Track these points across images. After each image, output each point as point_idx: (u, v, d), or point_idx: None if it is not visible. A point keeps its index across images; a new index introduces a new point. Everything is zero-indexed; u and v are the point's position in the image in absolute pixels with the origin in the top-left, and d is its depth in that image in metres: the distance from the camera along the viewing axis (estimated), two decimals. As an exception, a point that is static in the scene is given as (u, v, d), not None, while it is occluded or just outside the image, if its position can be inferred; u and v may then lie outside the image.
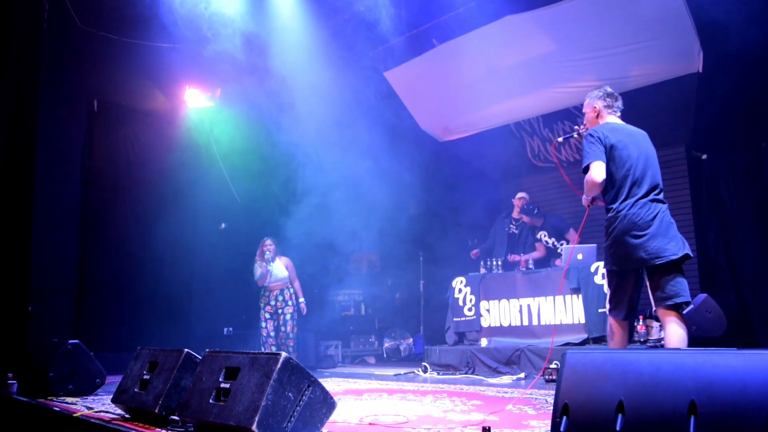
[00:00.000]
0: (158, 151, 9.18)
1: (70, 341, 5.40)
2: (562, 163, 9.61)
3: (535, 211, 8.26)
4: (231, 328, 9.53)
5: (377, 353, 10.32)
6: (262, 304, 8.03)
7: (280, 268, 7.99)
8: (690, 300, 3.94)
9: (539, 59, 8.19)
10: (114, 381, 4.92)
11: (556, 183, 9.33)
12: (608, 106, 4.36)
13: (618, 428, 1.94)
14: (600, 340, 6.72)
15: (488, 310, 7.83)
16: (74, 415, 4.01)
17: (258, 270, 7.96)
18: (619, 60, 7.74)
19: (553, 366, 6.16)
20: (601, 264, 6.73)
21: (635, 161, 4.04)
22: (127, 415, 4.00)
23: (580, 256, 7.14)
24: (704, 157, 8.08)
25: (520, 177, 10.31)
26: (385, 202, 8.87)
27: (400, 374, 7.65)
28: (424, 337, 9.62)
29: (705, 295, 6.52)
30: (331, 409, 3.10)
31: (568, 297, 7.06)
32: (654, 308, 4.02)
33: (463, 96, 9.29)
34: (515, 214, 8.58)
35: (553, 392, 2.38)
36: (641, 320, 7.03)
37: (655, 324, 7.05)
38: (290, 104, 8.98)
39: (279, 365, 2.92)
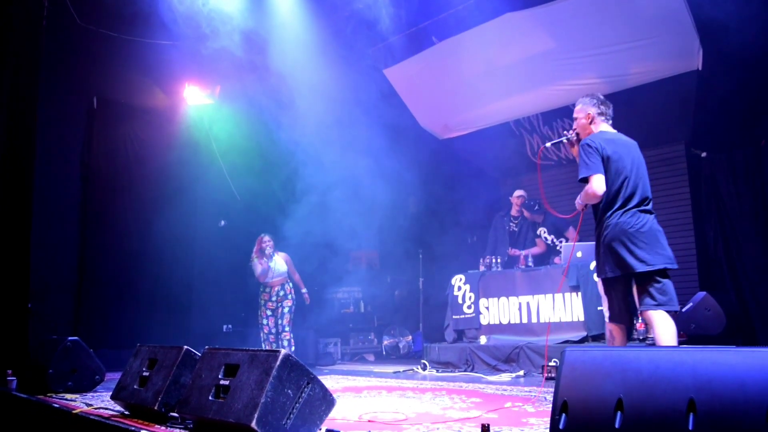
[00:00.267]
0: (158, 149, 9.18)
1: (70, 338, 5.41)
2: (562, 160, 9.63)
3: (536, 207, 8.25)
4: (230, 325, 9.54)
5: (376, 351, 10.32)
6: (262, 301, 8.02)
7: (279, 264, 7.99)
8: (678, 308, 4.06)
9: (539, 57, 8.18)
10: (113, 378, 4.92)
11: (556, 181, 9.33)
12: (601, 114, 4.44)
13: (617, 426, 1.94)
14: (599, 338, 6.72)
15: (487, 308, 7.83)
16: (73, 411, 4.01)
17: (258, 267, 7.94)
18: (619, 57, 7.73)
19: (552, 364, 6.17)
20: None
21: (629, 173, 4.13)
22: (126, 412, 4.00)
23: (579, 254, 7.13)
24: (704, 154, 8.08)
25: (520, 175, 10.32)
26: (384, 200, 8.88)
27: (399, 372, 7.65)
28: (424, 334, 9.63)
29: (704, 293, 6.53)
30: (331, 407, 3.10)
31: (567, 295, 7.06)
32: (639, 311, 4.11)
33: (462, 93, 9.29)
34: (514, 212, 8.58)
35: (552, 390, 2.39)
36: (640, 318, 7.03)
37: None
38: (290, 102, 8.98)
39: (278, 362, 2.92)
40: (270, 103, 9.02)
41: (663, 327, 3.97)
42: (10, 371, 5.51)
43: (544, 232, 8.17)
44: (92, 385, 5.46)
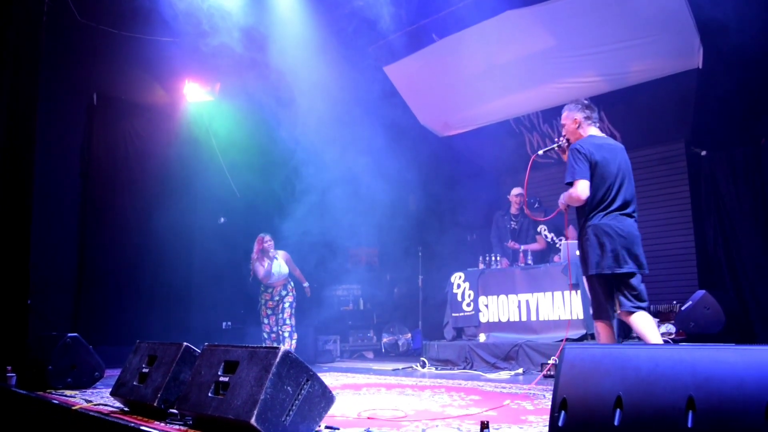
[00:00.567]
0: (158, 145, 9.18)
1: (69, 334, 5.41)
2: (559, 159, 9.59)
3: (537, 205, 8.26)
4: (229, 323, 9.54)
5: (376, 348, 10.33)
6: (263, 301, 8.02)
7: (281, 265, 7.99)
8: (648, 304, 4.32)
9: (539, 54, 8.19)
10: (113, 374, 4.93)
11: (555, 179, 9.33)
12: (587, 118, 4.59)
13: (616, 423, 1.95)
14: (598, 336, 6.71)
15: (487, 306, 7.84)
16: (73, 408, 4.01)
17: (260, 269, 7.92)
18: (619, 56, 7.74)
19: (551, 362, 6.17)
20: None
21: (614, 179, 4.35)
22: (125, 408, 4.00)
23: (579, 252, 7.12)
24: (704, 153, 8.09)
25: (519, 173, 10.30)
26: (384, 198, 8.88)
27: (398, 369, 7.66)
28: (423, 332, 9.63)
29: (703, 291, 6.53)
30: (330, 404, 3.11)
31: (566, 293, 7.06)
32: (618, 312, 4.31)
33: (462, 91, 9.29)
34: (514, 210, 8.57)
35: (551, 387, 2.39)
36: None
37: (654, 320, 7.05)
38: (290, 99, 8.98)
39: (278, 359, 2.92)
40: (270, 100, 9.02)
41: (647, 327, 4.17)
42: (9, 367, 5.51)
43: (545, 230, 8.16)
44: (92, 381, 5.46)
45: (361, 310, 10.79)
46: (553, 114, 9.42)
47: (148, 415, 3.69)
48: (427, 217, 10.70)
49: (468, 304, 8.01)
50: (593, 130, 4.59)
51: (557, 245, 7.98)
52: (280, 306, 7.97)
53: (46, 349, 5.35)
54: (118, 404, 4.15)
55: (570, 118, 4.65)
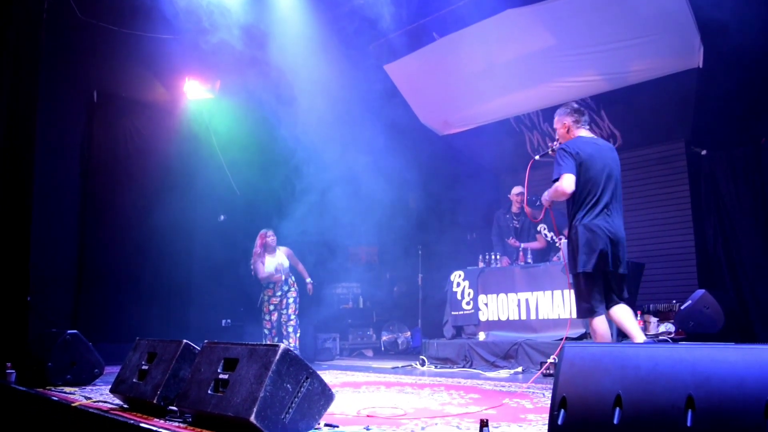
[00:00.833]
0: (158, 143, 9.17)
1: (69, 331, 5.41)
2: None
3: (538, 202, 8.25)
4: (229, 320, 9.54)
5: (375, 346, 10.34)
6: (266, 297, 8.01)
7: (282, 259, 7.99)
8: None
9: (539, 53, 8.18)
10: (112, 371, 4.92)
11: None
12: (576, 121, 4.78)
13: (615, 422, 1.95)
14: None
15: (486, 304, 7.84)
16: (73, 404, 4.01)
17: (261, 267, 7.90)
18: (620, 55, 7.73)
19: (551, 360, 6.17)
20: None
21: (600, 177, 4.50)
22: (125, 405, 4.00)
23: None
24: (704, 152, 8.09)
25: (520, 172, 10.30)
26: (384, 197, 8.87)
27: (397, 367, 7.66)
28: (422, 330, 9.64)
29: (703, 290, 6.53)
30: (329, 401, 3.11)
31: (566, 291, 7.06)
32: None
33: (463, 90, 9.29)
34: (515, 209, 8.57)
35: (550, 386, 2.39)
36: (639, 315, 7.05)
37: (653, 319, 7.07)
38: (290, 97, 8.98)
39: (278, 357, 2.92)
40: (270, 98, 9.02)
41: (628, 317, 4.48)
42: (9, 364, 5.51)
43: (545, 229, 8.17)
44: (91, 378, 5.46)
45: (360, 308, 10.80)
46: (553, 113, 9.36)
47: (148, 412, 3.69)
48: (427, 216, 10.70)
49: (468, 303, 8.01)
50: (583, 132, 4.76)
51: (557, 244, 7.98)
52: (284, 302, 7.98)
53: (45, 346, 5.35)
54: (117, 401, 4.15)
55: (560, 122, 4.86)
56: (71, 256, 8.28)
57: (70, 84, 8.32)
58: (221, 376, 3.16)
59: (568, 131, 4.79)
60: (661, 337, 6.77)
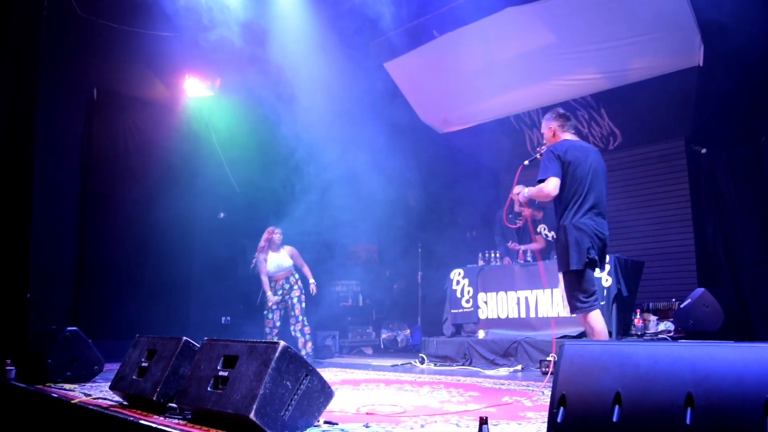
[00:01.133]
0: (158, 140, 9.17)
1: (69, 328, 5.41)
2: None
3: (536, 202, 8.25)
4: (229, 318, 9.55)
5: (374, 344, 10.34)
6: (269, 294, 8.02)
7: (284, 258, 7.99)
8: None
9: (540, 51, 8.18)
10: (112, 368, 4.92)
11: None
12: (561, 126, 4.97)
13: (615, 420, 1.95)
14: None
15: (486, 302, 7.84)
16: (72, 401, 4.01)
17: (263, 265, 7.91)
18: (620, 53, 7.73)
19: (550, 358, 6.17)
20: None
21: (586, 178, 4.68)
22: (125, 402, 4.00)
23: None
24: (704, 151, 8.09)
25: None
26: (384, 195, 8.87)
27: (397, 365, 7.66)
28: (422, 328, 9.64)
29: (702, 289, 6.53)
30: (329, 399, 3.11)
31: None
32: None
33: (463, 88, 9.28)
34: (516, 208, 8.57)
35: (549, 384, 2.39)
36: (638, 314, 7.05)
37: (653, 317, 7.07)
38: (290, 95, 8.98)
39: (277, 354, 2.92)
40: (270, 95, 9.01)
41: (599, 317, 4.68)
42: (9, 361, 5.52)
43: (544, 229, 8.16)
44: (91, 375, 5.47)
45: (360, 306, 10.80)
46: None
47: (147, 409, 3.69)
48: (427, 214, 10.70)
49: (467, 301, 8.01)
50: (568, 136, 4.94)
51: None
52: (290, 303, 7.97)
53: (45, 342, 5.35)
54: (117, 398, 4.15)
55: (546, 127, 5.05)
56: (71, 254, 8.28)
57: (70, 81, 8.32)
58: (221, 373, 3.16)
59: (554, 135, 4.98)
60: (660, 336, 6.78)
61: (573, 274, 4.64)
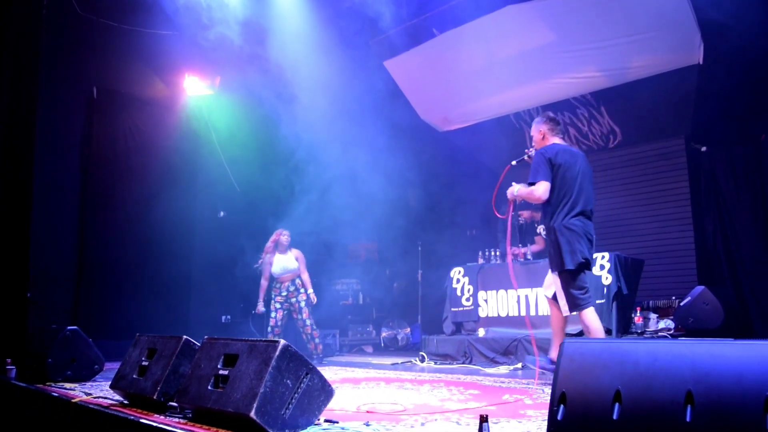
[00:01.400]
0: (157, 139, 9.17)
1: (69, 327, 5.42)
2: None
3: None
4: (229, 316, 9.55)
5: (375, 342, 10.34)
6: (273, 295, 8.03)
7: (290, 260, 7.99)
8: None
9: (540, 49, 8.18)
10: (112, 368, 4.93)
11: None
12: (551, 129, 5.20)
13: (615, 417, 1.95)
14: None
15: (486, 301, 7.84)
16: (73, 400, 4.01)
17: (267, 267, 7.94)
18: (620, 51, 7.73)
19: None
20: (600, 255, 6.75)
21: (575, 182, 4.87)
22: (125, 401, 4.01)
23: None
24: (704, 149, 8.08)
25: (520, 168, 10.29)
26: (384, 193, 8.87)
27: (397, 363, 7.66)
28: (422, 326, 9.64)
29: (702, 287, 6.53)
30: (329, 397, 3.11)
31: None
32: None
33: (463, 86, 9.28)
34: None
35: (550, 382, 2.39)
36: (638, 312, 7.06)
37: (653, 315, 7.08)
38: (290, 93, 8.97)
39: (277, 352, 2.92)
40: (270, 94, 9.01)
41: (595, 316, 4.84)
42: (9, 360, 5.51)
43: (543, 229, 8.16)
44: (91, 374, 5.47)
45: (360, 304, 10.80)
46: (553, 109, 9.39)
47: (148, 408, 3.69)
48: (427, 213, 10.69)
49: (467, 299, 8.01)
50: (557, 140, 5.15)
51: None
52: (297, 305, 7.97)
53: (45, 342, 5.35)
54: (117, 397, 4.15)
55: (536, 130, 5.27)
56: (71, 253, 8.28)
57: (70, 80, 8.31)
58: (221, 371, 3.16)
59: (543, 138, 5.19)
60: (660, 334, 6.78)
61: (568, 273, 4.77)
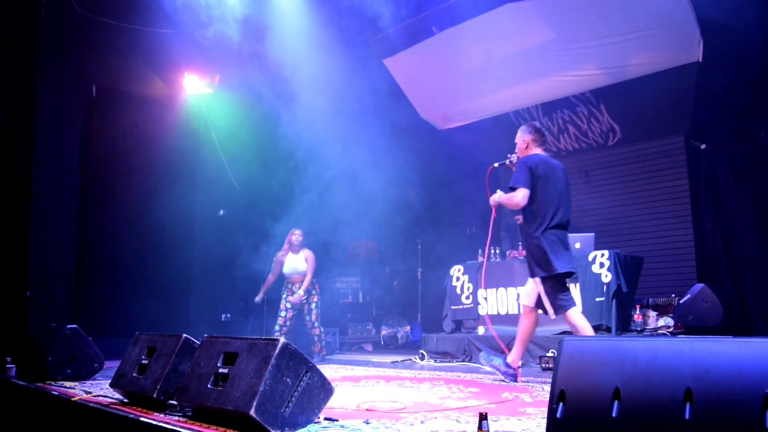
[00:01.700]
0: (157, 138, 9.15)
1: (69, 326, 5.41)
2: (561, 152, 9.65)
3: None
4: (229, 315, 9.55)
5: (375, 341, 10.34)
6: (284, 294, 8.04)
7: (300, 261, 7.99)
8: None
9: (539, 47, 8.17)
10: (112, 366, 4.93)
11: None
12: (535, 140, 5.33)
13: (614, 415, 1.95)
14: (596, 328, 6.72)
15: (486, 298, 7.84)
16: (72, 399, 4.02)
17: (277, 266, 8.00)
18: (619, 48, 7.72)
19: (549, 354, 6.18)
20: (599, 253, 6.75)
21: (553, 195, 5.03)
22: (125, 400, 4.01)
23: (578, 245, 7.13)
24: (703, 146, 8.09)
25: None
26: (384, 191, 8.87)
27: (397, 361, 7.67)
28: (422, 324, 9.63)
29: (702, 284, 6.54)
30: (329, 395, 3.11)
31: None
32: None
33: (462, 84, 9.27)
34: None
35: (549, 380, 2.39)
36: (638, 309, 7.06)
37: (652, 313, 7.08)
38: (290, 92, 8.96)
39: (277, 351, 2.93)
40: (270, 93, 9.00)
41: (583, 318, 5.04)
42: (9, 359, 5.51)
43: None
44: (91, 373, 5.47)
45: (360, 302, 10.80)
46: (553, 107, 9.42)
47: (148, 406, 3.69)
48: (427, 211, 10.69)
49: (467, 297, 8.02)
50: (539, 150, 5.29)
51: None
52: (307, 307, 7.98)
53: (45, 340, 5.35)
54: (117, 395, 4.15)
55: (521, 139, 5.39)
56: (71, 251, 8.28)
57: (69, 79, 8.30)
58: (221, 370, 3.16)
59: (527, 147, 5.32)
60: (660, 331, 6.79)
61: (555, 278, 4.90)
